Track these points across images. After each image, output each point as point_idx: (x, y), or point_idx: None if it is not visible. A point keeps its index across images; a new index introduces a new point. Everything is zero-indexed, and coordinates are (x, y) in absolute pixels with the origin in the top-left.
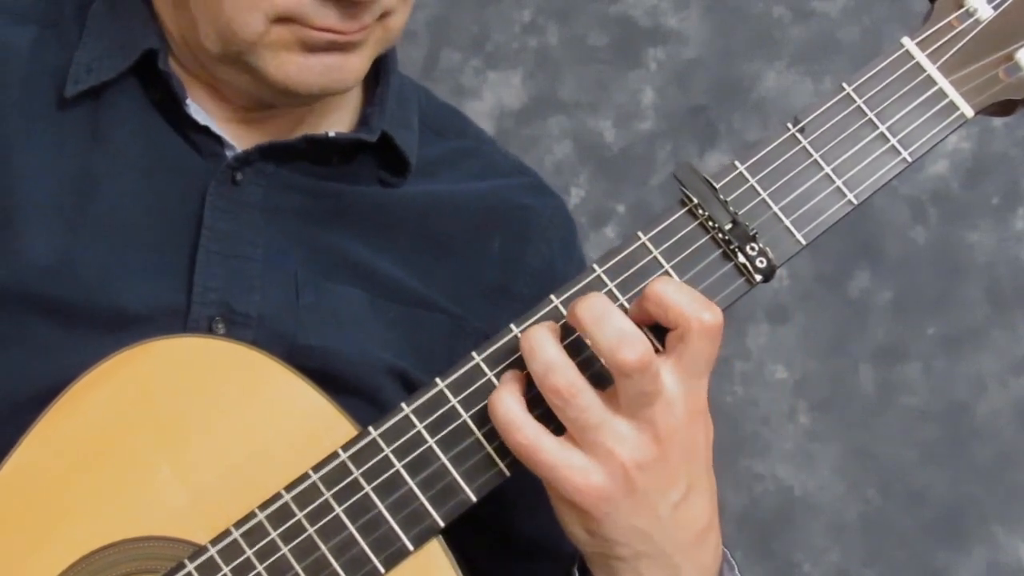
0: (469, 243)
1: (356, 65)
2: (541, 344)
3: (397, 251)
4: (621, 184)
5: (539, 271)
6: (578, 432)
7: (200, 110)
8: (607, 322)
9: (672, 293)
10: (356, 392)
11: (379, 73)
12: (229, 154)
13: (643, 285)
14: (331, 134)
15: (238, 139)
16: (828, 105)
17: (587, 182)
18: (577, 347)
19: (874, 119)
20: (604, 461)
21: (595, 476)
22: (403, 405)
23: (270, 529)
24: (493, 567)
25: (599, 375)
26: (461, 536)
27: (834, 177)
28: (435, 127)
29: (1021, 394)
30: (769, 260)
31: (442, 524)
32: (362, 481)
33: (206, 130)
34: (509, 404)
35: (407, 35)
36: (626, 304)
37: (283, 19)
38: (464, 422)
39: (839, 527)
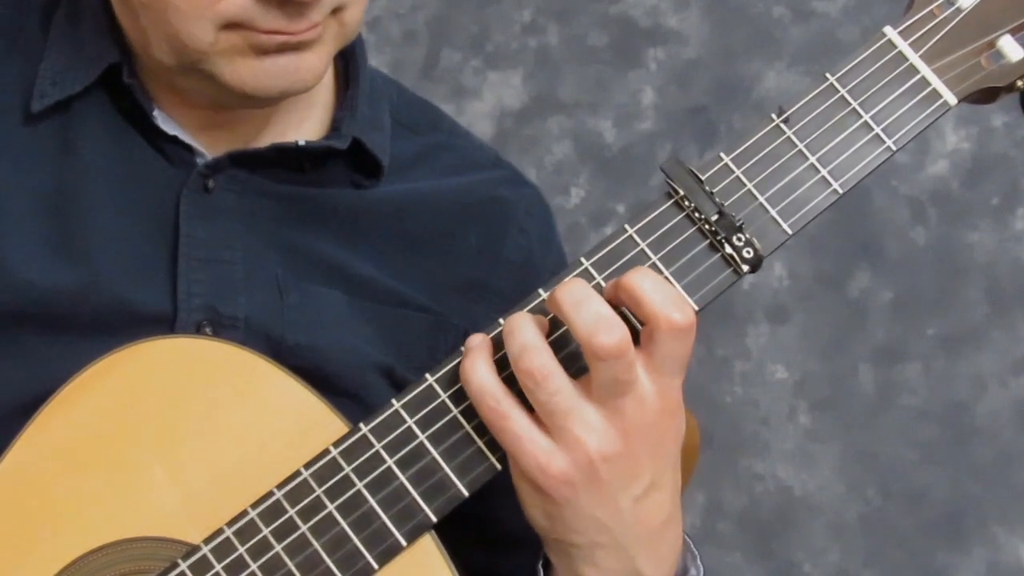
0: (445, 239)
1: (313, 63)
2: (520, 326)
3: (374, 251)
4: (621, 184)
5: (517, 264)
6: (547, 416)
7: (168, 119)
8: (586, 306)
9: (648, 289)
10: (344, 392)
11: (349, 75)
12: (200, 161)
13: None
14: (301, 143)
15: (208, 146)
16: (812, 95)
17: (587, 182)
18: (560, 343)
19: (857, 108)
20: (570, 448)
21: (559, 460)
22: (393, 401)
23: (262, 527)
24: (479, 560)
25: (581, 371)
26: (446, 531)
27: (819, 167)
28: (408, 123)
29: (1021, 394)
30: (756, 250)
31: (434, 519)
32: (353, 477)
33: (175, 139)
34: (483, 372)
35: (407, 35)
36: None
37: (231, 25)
38: (455, 417)
39: (839, 527)
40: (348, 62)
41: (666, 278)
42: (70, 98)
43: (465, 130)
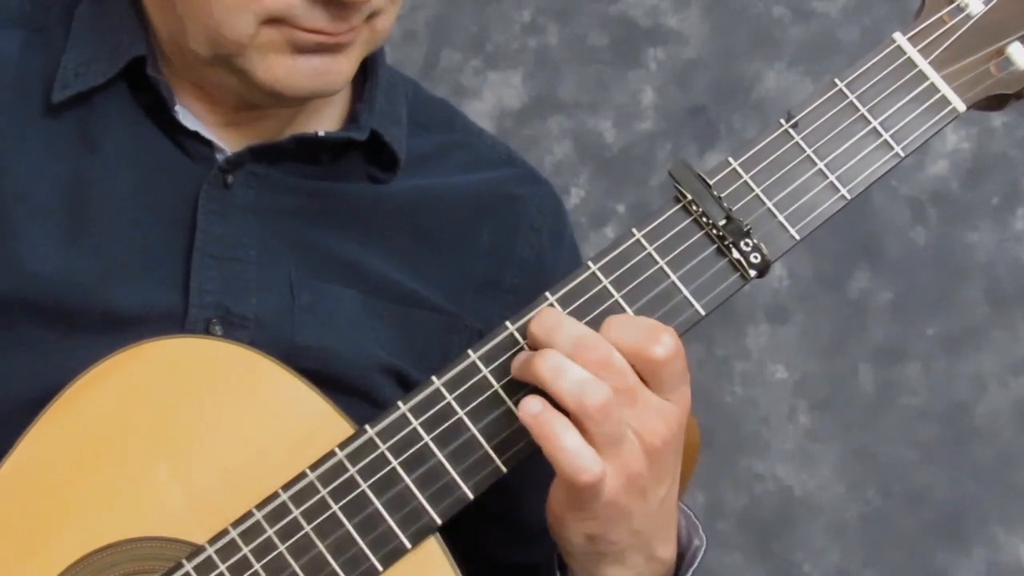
0: (459, 237)
1: (344, 67)
2: (564, 365)
3: (389, 248)
4: (621, 184)
5: (529, 261)
6: (605, 444)
7: (189, 114)
8: (588, 342)
9: (615, 339)
10: (354, 392)
11: (367, 68)
12: (219, 157)
13: (638, 281)
14: (320, 133)
15: (228, 142)
16: (821, 101)
17: (587, 182)
18: None
19: (866, 114)
20: (620, 470)
21: (612, 483)
22: (399, 403)
23: (267, 528)
24: (508, 554)
25: None
26: (473, 526)
27: (827, 172)
28: (422, 121)
29: (1021, 394)
30: (763, 255)
31: (439, 522)
32: (359, 479)
33: (196, 134)
34: (572, 435)
35: (407, 35)
36: (621, 301)
37: (272, 21)
38: (460, 419)
39: (839, 527)
40: (366, 56)
41: (673, 282)
42: (92, 90)
43: (479, 128)
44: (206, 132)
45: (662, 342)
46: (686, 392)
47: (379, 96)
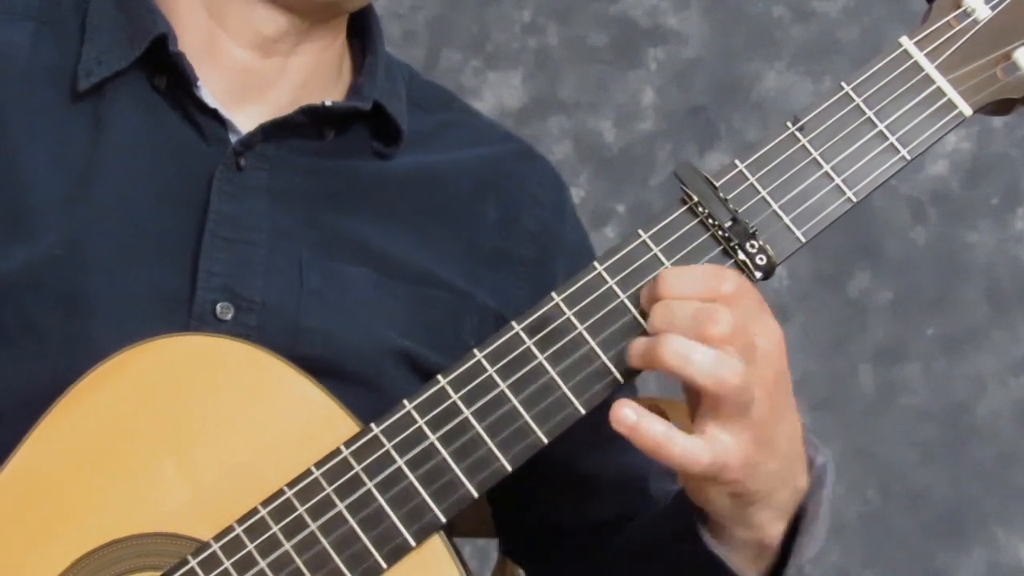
0: (466, 212)
1: None
2: (688, 349)
3: (399, 225)
4: (621, 184)
5: (536, 233)
6: (738, 413)
7: (209, 95)
8: (679, 306)
9: (679, 289)
10: (359, 379)
11: (366, 43)
12: (233, 138)
13: (643, 283)
14: (328, 103)
15: (240, 122)
16: (827, 104)
17: (587, 182)
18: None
19: (873, 118)
20: (740, 433)
21: (738, 449)
22: (405, 401)
23: (272, 524)
24: (566, 515)
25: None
26: (538, 497)
27: (833, 175)
28: (420, 102)
29: (1021, 394)
30: (769, 257)
31: (444, 520)
32: (363, 477)
33: (214, 113)
34: (679, 437)
35: (407, 35)
36: (627, 302)
37: None
38: (466, 418)
39: (839, 527)
40: (364, 37)
41: None
42: (115, 74)
43: (476, 109)
44: (225, 113)
45: (728, 278)
46: (770, 319)
47: (379, 71)
